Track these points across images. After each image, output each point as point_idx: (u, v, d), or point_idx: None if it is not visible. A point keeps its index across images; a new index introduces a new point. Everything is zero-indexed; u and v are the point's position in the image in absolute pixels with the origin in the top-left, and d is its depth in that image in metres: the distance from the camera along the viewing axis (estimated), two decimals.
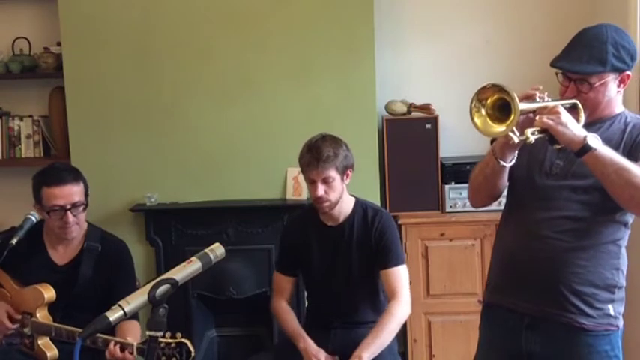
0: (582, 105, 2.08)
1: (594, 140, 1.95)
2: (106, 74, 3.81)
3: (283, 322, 2.95)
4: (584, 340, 2.11)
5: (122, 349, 2.44)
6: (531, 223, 2.15)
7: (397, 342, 2.97)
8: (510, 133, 1.95)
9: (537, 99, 2.03)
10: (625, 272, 2.19)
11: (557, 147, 2.02)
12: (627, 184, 1.95)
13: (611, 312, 2.13)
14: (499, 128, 1.96)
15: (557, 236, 2.10)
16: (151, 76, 3.79)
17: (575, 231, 2.09)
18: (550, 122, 1.95)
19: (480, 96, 1.99)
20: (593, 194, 2.07)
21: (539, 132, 1.98)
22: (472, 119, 2.00)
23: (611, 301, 2.13)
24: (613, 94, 2.12)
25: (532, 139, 1.97)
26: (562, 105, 2.03)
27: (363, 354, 2.67)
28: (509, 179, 2.24)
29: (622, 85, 2.13)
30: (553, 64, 2.13)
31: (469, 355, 3.71)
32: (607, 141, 2.04)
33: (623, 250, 2.17)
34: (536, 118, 1.98)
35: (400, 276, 2.83)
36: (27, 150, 4.11)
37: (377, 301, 2.93)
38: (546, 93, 2.05)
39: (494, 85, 1.97)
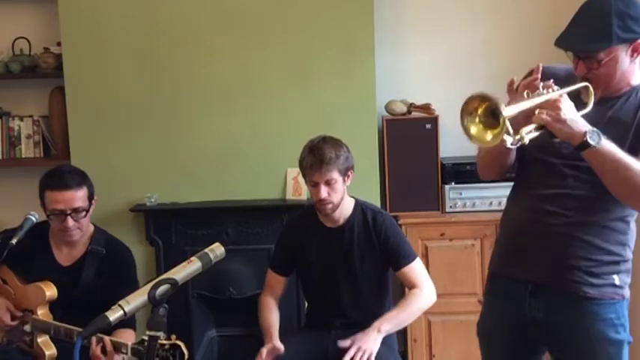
0: (595, 81, 2.01)
1: (595, 136, 1.90)
2: (106, 74, 3.81)
3: (261, 316, 2.92)
4: (589, 309, 2.10)
5: (104, 351, 2.45)
6: (539, 198, 2.13)
7: (397, 342, 2.97)
8: (505, 137, 1.87)
9: (541, 89, 1.96)
10: (633, 246, 2.16)
11: (557, 140, 1.98)
12: (625, 182, 1.94)
13: (617, 282, 2.11)
14: (491, 136, 1.88)
15: (564, 212, 2.09)
16: (150, 76, 3.80)
17: (582, 209, 2.07)
18: (548, 119, 1.91)
19: (467, 110, 1.90)
20: None
21: (538, 128, 1.94)
22: (468, 134, 1.91)
23: (617, 272, 2.11)
24: (626, 66, 2.01)
25: (527, 139, 1.91)
26: (570, 91, 1.96)
27: (382, 326, 2.72)
28: (520, 155, 2.21)
29: (636, 55, 2.00)
30: (556, 44, 2.05)
31: (469, 355, 3.74)
32: (620, 121, 2.00)
33: (632, 225, 2.14)
34: (536, 113, 1.92)
35: (417, 270, 2.89)
36: (27, 150, 4.11)
37: (377, 301, 2.94)
38: (552, 80, 1.97)
39: (477, 96, 1.89)
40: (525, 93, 1.96)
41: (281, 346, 2.76)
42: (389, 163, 3.81)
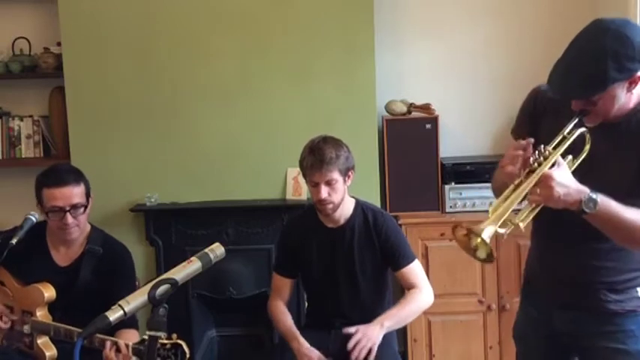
0: (593, 113, 1.98)
1: (590, 204, 1.89)
2: (106, 74, 3.81)
3: (278, 322, 2.95)
4: (611, 320, 2.13)
5: (117, 351, 2.46)
6: (556, 228, 2.13)
7: (397, 342, 2.97)
8: (499, 230, 1.88)
9: (533, 162, 1.92)
10: None
11: None
12: (626, 238, 1.97)
13: (639, 294, 2.13)
14: (484, 254, 1.91)
15: (582, 241, 2.10)
16: (151, 76, 3.80)
17: (600, 235, 2.05)
18: (541, 200, 1.90)
19: (459, 237, 1.93)
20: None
21: (535, 206, 1.94)
22: (477, 258, 1.94)
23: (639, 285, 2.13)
24: (623, 98, 1.96)
25: (522, 226, 1.92)
26: (567, 146, 1.95)
27: (385, 322, 2.76)
28: None
29: (634, 86, 1.95)
30: (550, 87, 2.02)
31: (469, 355, 3.75)
32: (627, 142, 1.99)
33: None
34: (528, 198, 1.91)
35: (416, 271, 2.89)
36: (27, 150, 4.11)
37: (377, 301, 2.94)
38: (542, 147, 1.94)
39: (456, 227, 1.92)
40: (519, 171, 1.95)
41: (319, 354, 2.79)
42: (389, 163, 3.81)
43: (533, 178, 1.91)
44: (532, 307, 2.32)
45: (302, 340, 2.82)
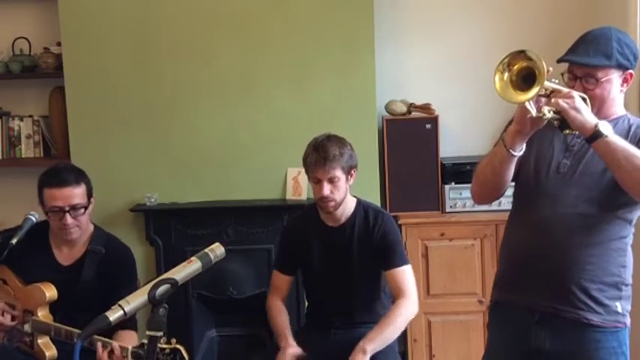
0: (590, 99, 2.10)
1: (605, 127, 2.00)
2: (107, 74, 3.81)
3: (273, 319, 2.94)
4: (593, 337, 2.14)
5: (111, 352, 2.46)
6: (540, 221, 2.17)
7: (397, 342, 2.97)
8: (528, 106, 1.99)
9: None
10: (632, 270, 2.22)
11: (567, 132, 2.07)
12: (635, 170, 1.99)
13: (619, 309, 2.16)
14: (519, 97, 1.98)
15: (566, 234, 2.13)
16: (151, 77, 3.80)
17: (583, 228, 2.12)
18: (564, 105, 1.99)
19: (510, 60, 2.01)
20: (599, 192, 2.11)
21: (554, 113, 2.02)
22: (494, 79, 2.01)
23: (619, 298, 2.17)
24: (617, 92, 2.17)
25: (548, 116, 2.01)
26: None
27: (367, 346, 2.67)
28: (517, 179, 2.27)
29: (625, 85, 2.18)
30: (561, 59, 2.16)
31: (469, 355, 3.74)
32: None
33: (629, 248, 2.21)
34: (552, 100, 2.01)
35: (406, 275, 2.84)
36: (27, 150, 4.11)
37: (377, 301, 2.94)
38: (557, 80, 2.07)
39: (527, 54, 1.99)
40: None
41: (300, 351, 2.77)
42: (389, 163, 3.81)
43: (556, 87, 2.03)
44: (503, 330, 2.30)
45: (290, 340, 2.81)
